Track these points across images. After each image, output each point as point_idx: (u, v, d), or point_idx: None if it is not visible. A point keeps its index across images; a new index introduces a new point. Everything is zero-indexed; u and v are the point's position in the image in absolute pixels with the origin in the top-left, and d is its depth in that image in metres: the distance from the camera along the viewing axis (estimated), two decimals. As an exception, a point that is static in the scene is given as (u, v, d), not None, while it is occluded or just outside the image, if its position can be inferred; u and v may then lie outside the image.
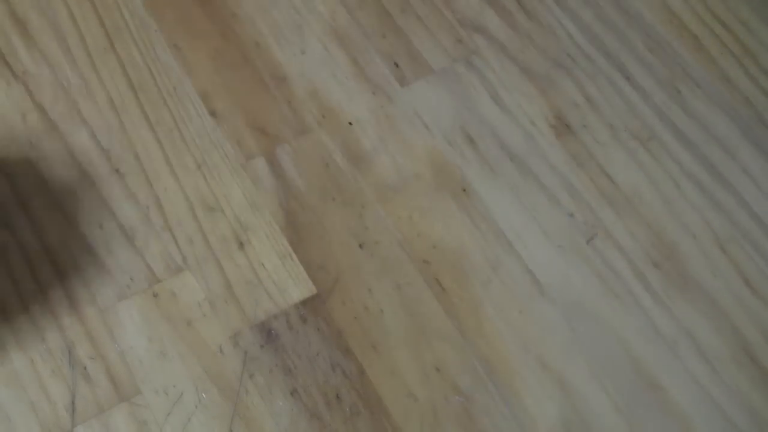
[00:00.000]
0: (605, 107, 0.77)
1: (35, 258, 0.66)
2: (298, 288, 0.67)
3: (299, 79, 0.76)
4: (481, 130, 0.75)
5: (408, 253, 0.69)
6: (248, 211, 0.70)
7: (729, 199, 0.73)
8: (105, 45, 0.76)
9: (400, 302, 0.67)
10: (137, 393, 0.62)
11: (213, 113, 0.74)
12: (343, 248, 0.68)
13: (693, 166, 0.74)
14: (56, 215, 0.68)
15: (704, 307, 0.68)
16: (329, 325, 0.65)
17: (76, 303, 0.65)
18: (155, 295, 0.65)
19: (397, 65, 0.77)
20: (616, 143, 0.75)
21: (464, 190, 0.72)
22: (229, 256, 0.67)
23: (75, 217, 0.68)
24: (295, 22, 0.79)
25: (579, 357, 0.65)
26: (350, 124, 0.74)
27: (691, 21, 0.82)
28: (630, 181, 0.73)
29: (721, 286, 0.69)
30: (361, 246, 0.69)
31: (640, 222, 0.71)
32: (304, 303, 0.66)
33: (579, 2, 0.82)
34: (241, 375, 0.63)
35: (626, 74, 0.78)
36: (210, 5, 0.79)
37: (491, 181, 0.72)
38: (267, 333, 0.65)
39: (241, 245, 0.68)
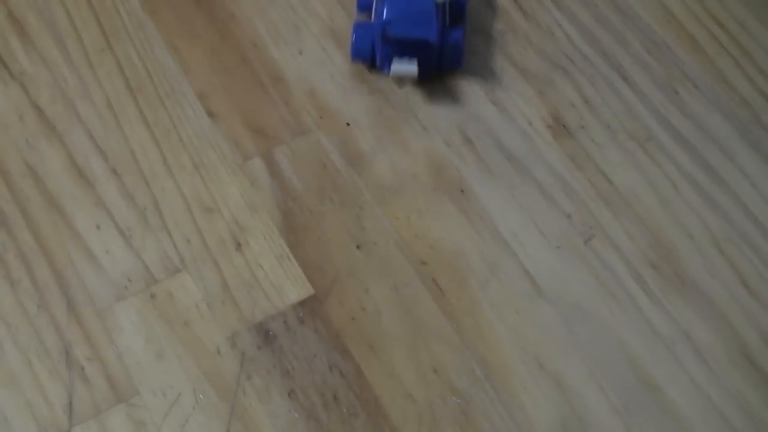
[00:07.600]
0: (603, 108, 0.77)
1: (33, 258, 0.66)
2: (295, 289, 0.67)
3: (297, 80, 0.76)
4: (478, 130, 0.75)
5: (405, 254, 0.69)
6: (246, 211, 0.69)
7: (726, 200, 0.73)
8: (102, 45, 0.76)
9: (398, 303, 0.67)
10: (135, 394, 0.62)
11: (210, 114, 0.74)
12: (341, 249, 0.68)
13: (690, 166, 0.74)
14: (53, 216, 0.68)
15: (702, 308, 0.68)
16: (327, 326, 0.65)
17: (74, 304, 0.65)
18: (153, 296, 0.65)
19: (394, 66, 0.77)
20: (614, 144, 0.75)
21: (462, 191, 0.72)
22: (227, 257, 0.67)
23: (72, 217, 0.68)
24: (293, 23, 0.79)
25: (577, 358, 0.65)
26: (348, 124, 0.74)
27: (689, 22, 0.82)
28: (627, 182, 0.73)
29: (719, 287, 0.69)
30: (358, 247, 0.69)
31: (638, 223, 0.71)
32: (302, 304, 0.66)
33: (577, 3, 0.82)
34: (238, 376, 0.63)
35: (624, 75, 0.78)
36: (207, 6, 0.79)
37: (489, 181, 0.72)
38: (264, 334, 0.65)
39: (238, 246, 0.68)
